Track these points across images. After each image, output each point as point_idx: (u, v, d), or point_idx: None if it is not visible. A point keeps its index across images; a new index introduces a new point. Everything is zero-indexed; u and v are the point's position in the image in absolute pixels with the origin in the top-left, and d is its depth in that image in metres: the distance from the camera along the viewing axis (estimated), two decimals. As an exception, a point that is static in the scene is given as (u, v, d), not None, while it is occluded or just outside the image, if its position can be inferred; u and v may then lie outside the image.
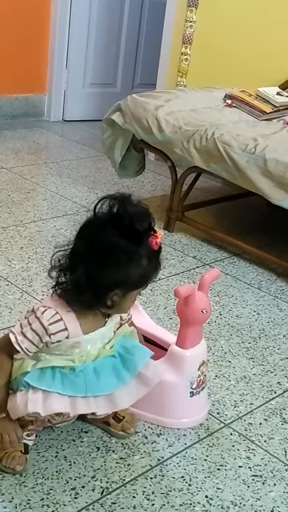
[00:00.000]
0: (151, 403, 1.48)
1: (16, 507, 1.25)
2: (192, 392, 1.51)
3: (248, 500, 1.35)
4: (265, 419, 1.60)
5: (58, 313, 1.25)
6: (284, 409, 1.65)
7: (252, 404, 1.66)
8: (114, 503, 1.29)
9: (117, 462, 1.40)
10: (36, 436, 1.39)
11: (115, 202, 1.23)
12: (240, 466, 1.44)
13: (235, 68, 3.22)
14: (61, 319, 1.25)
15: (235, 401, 1.66)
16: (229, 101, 2.75)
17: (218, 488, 1.37)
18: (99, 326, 1.32)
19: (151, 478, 1.37)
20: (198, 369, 1.50)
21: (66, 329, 1.25)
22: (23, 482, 1.31)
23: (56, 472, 1.35)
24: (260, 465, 1.45)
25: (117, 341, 1.37)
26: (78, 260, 1.23)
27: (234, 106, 2.73)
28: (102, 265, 1.21)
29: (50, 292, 1.33)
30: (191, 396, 1.52)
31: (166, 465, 1.41)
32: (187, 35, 3.38)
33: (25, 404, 1.26)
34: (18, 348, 1.26)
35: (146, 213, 1.23)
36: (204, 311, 1.45)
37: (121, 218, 1.21)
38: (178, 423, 1.53)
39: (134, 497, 1.32)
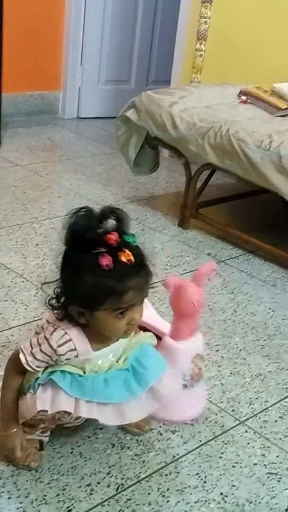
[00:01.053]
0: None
1: (32, 502, 1.26)
2: (185, 384, 1.50)
3: (263, 497, 1.35)
4: (280, 417, 1.60)
5: (67, 333, 1.24)
6: (300, 407, 1.65)
7: (267, 401, 1.65)
8: (129, 500, 1.30)
9: (132, 459, 1.40)
10: (51, 432, 1.40)
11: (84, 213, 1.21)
12: (255, 464, 1.44)
13: (250, 64, 3.21)
14: (70, 339, 1.24)
15: (250, 398, 1.66)
16: (244, 98, 2.74)
17: (233, 485, 1.37)
18: (112, 341, 1.29)
19: (166, 475, 1.37)
20: (192, 362, 1.49)
21: (75, 349, 1.24)
22: (39, 478, 1.32)
23: (72, 468, 1.36)
24: (275, 463, 1.45)
25: (133, 353, 1.34)
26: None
27: (249, 103, 2.72)
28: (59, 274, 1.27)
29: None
30: (183, 389, 1.50)
31: (181, 462, 1.42)
32: (201, 31, 3.37)
33: (34, 403, 1.26)
34: (28, 368, 1.26)
35: (91, 227, 1.18)
36: (195, 302, 1.44)
37: (67, 230, 1.21)
38: (168, 415, 1.50)
39: (149, 493, 1.32)
